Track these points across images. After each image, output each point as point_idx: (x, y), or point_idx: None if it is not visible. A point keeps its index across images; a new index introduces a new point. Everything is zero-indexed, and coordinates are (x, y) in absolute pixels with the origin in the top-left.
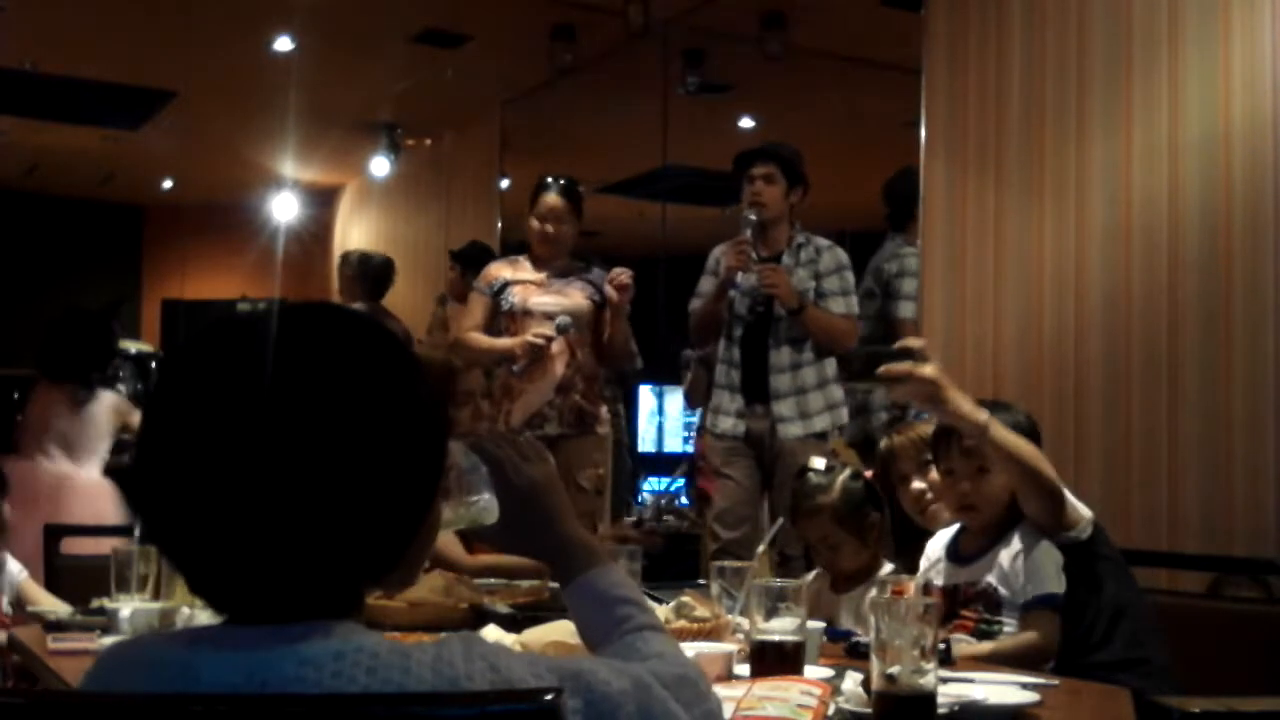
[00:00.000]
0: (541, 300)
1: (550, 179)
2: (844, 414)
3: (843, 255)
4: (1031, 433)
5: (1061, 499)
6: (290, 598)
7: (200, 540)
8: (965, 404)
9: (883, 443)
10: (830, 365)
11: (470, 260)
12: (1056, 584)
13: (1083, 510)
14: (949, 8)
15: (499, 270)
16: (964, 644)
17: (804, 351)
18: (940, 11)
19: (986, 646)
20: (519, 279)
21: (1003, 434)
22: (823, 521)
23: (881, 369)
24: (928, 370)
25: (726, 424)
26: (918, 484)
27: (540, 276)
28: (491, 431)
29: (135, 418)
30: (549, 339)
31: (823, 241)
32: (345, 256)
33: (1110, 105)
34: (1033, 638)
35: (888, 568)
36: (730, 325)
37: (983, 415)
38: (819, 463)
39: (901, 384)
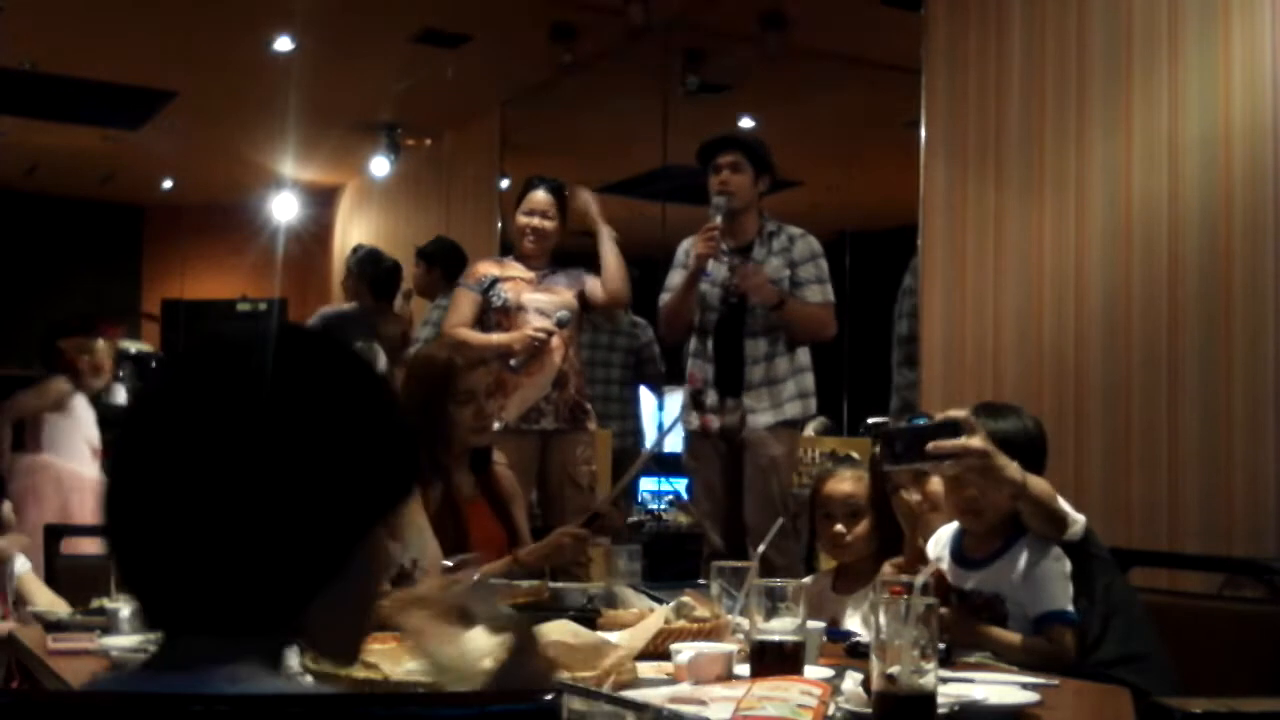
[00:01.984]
0: (535, 297)
1: (537, 178)
2: (813, 404)
3: (815, 243)
4: (1040, 438)
5: (1063, 523)
6: (184, 623)
7: (124, 551)
8: (1011, 468)
9: (875, 450)
10: (803, 353)
11: (434, 257)
12: (1068, 599)
13: (1074, 515)
14: (949, 8)
15: (486, 268)
16: (994, 629)
17: (778, 341)
18: (940, 11)
19: (1016, 638)
20: (508, 276)
21: (1034, 484)
22: (855, 482)
23: (931, 446)
24: (977, 443)
25: (698, 421)
26: (914, 496)
27: (530, 274)
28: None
29: None
30: (550, 333)
31: (795, 230)
32: (355, 251)
33: (1110, 105)
34: (1056, 650)
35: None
36: (702, 318)
37: (1020, 476)
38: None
39: (952, 460)
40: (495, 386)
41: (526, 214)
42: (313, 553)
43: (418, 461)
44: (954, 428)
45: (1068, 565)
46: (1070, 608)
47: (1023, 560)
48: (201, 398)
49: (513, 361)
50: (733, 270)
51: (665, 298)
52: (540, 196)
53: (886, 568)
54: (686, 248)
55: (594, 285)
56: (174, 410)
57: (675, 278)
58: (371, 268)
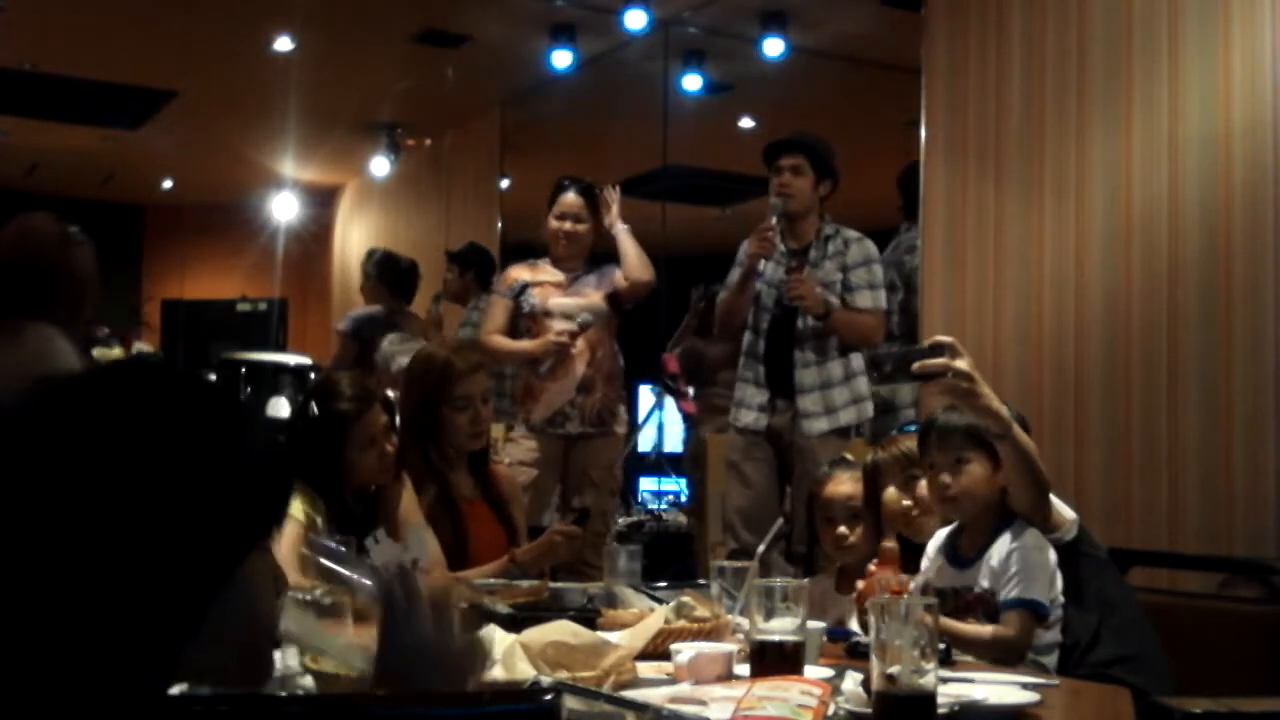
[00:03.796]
0: (561, 301)
1: (568, 180)
2: (869, 408)
3: (872, 248)
4: (1022, 428)
5: (1047, 495)
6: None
7: None
8: (995, 400)
9: (867, 457)
10: (856, 359)
11: (468, 261)
12: (1043, 592)
13: (1067, 513)
14: (949, 8)
15: (518, 273)
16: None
17: (830, 346)
18: (940, 11)
19: (968, 629)
20: (538, 280)
21: (1021, 433)
22: (854, 483)
23: (916, 365)
24: (962, 365)
25: (749, 418)
26: (904, 501)
27: (560, 277)
28: (404, 572)
29: None
30: (573, 336)
31: (852, 234)
32: (370, 255)
33: (1110, 105)
34: (1001, 632)
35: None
36: (755, 317)
37: (1003, 410)
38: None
39: (936, 380)
40: (524, 392)
41: (558, 218)
42: (173, 605)
43: (278, 490)
44: (941, 350)
45: (1052, 556)
46: (1038, 597)
47: (1005, 550)
48: (25, 451)
49: (541, 368)
50: (789, 272)
51: (723, 295)
52: (570, 199)
53: (870, 567)
54: (746, 246)
55: (619, 277)
56: None
57: (734, 275)
58: (390, 269)
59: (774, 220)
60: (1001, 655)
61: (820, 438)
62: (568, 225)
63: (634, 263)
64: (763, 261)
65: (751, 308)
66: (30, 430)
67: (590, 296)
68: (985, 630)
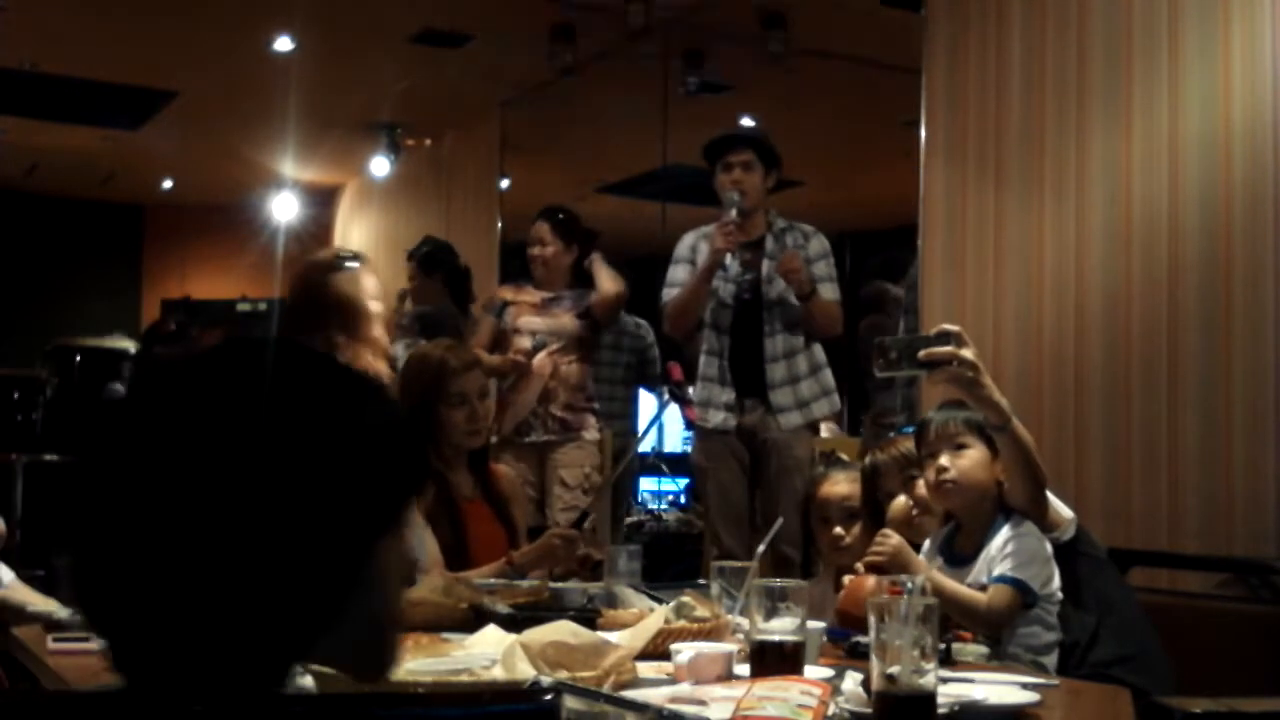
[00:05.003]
0: (529, 320)
1: (545, 208)
2: (837, 400)
3: (826, 241)
4: None
5: (1044, 489)
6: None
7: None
8: (996, 391)
9: (866, 459)
10: (819, 350)
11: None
12: (1035, 579)
13: (1065, 512)
14: (949, 8)
15: (503, 292)
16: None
17: (797, 338)
18: (940, 11)
19: (963, 590)
20: (518, 300)
21: (1020, 426)
22: (850, 483)
23: (923, 353)
24: (968, 354)
25: (717, 418)
26: (903, 499)
27: (537, 298)
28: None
29: None
30: (528, 354)
31: (806, 227)
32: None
33: (1110, 105)
34: (989, 599)
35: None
36: (715, 315)
37: (1005, 403)
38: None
39: (942, 368)
40: (499, 405)
41: (530, 245)
42: (319, 580)
43: (421, 466)
44: (947, 339)
45: (1048, 548)
46: (1028, 580)
47: (1003, 537)
48: (174, 421)
49: (503, 383)
50: (745, 265)
51: (671, 293)
52: (536, 226)
53: (859, 565)
54: (691, 243)
55: (594, 297)
56: (142, 442)
57: (680, 273)
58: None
59: (733, 215)
60: (982, 625)
61: (794, 431)
62: (535, 250)
63: (602, 280)
64: (729, 256)
65: (709, 305)
66: (157, 410)
67: (559, 318)
68: (979, 596)
